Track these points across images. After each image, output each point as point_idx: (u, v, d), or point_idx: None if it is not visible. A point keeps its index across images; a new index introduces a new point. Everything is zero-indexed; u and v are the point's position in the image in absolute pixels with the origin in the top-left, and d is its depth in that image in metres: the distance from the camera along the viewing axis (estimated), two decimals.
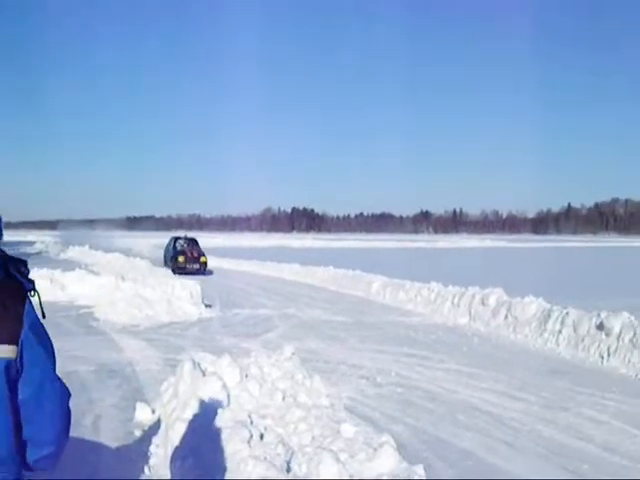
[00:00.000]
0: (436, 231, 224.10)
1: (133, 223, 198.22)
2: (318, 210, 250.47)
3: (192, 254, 31.76)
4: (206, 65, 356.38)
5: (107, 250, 39.94)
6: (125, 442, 6.35)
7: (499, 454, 6.49)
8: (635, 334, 10.87)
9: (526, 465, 6.19)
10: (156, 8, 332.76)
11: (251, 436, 5.24)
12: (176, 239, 34.69)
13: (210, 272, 31.50)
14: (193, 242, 34.30)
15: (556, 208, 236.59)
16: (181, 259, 31.29)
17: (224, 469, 4.89)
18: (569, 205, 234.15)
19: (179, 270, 29.89)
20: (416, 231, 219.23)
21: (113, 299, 16.42)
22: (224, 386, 6.63)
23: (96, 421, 7.10)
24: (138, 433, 6.59)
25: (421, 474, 4.99)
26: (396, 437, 6.01)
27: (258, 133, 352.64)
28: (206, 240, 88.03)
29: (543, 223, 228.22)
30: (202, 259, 31.76)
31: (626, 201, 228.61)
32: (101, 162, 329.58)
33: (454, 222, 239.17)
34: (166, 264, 33.32)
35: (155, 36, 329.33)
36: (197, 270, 30.70)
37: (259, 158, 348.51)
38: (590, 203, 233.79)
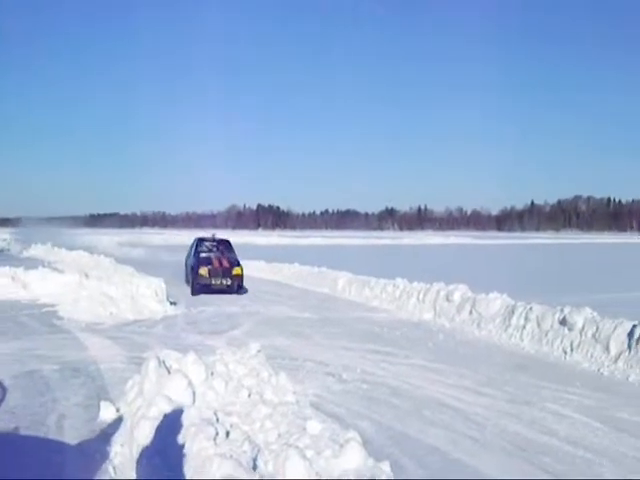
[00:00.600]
0: (401, 228, 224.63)
1: (97, 220, 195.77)
2: (283, 207, 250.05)
3: (221, 263, 22.02)
4: (169, 63, 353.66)
5: (70, 248, 39.44)
6: (89, 442, 6.28)
7: (464, 449, 6.53)
8: (597, 329, 11.01)
9: (491, 460, 6.24)
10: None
11: (217, 434, 5.22)
12: (199, 241, 24.61)
13: (245, 290, 22.39)
14: (224, 245, 24.53)
15: (520, 205, 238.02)
16: (204, 272, 21.39)
17: (190, 467, 4.87)
18: (532, 202, 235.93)
19: (201, 288, 21.26)
20: (381, 228, 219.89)
21: (77, 297, 16.27)
22: (189, 384, 6.60)
23: (60, 420, 7.03)
24: (102, 432, 6.53)
25: (387, 470, 5.00)
26: (362, 433, 6.03)
27: (223, 130, 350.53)
28: (172, 238, 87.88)
29: (507, 220, 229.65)
30: (235, 271, 21.85)
31: (588, 198, 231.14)
32: (63, 158, 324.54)
33: (419, 219, 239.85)
34: (186, 279, 23.86)
35: (122, 37, 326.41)
36: (228, 287, 21.53)
37: (224, 155, 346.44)
38: (553, 200, 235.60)
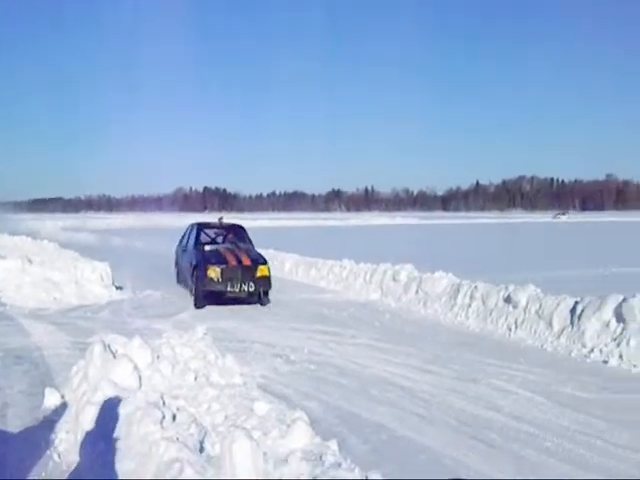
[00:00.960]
0: (348, 209, 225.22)
1: (40, 205, 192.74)
2: (230, 189, 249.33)
3: (239, 260, 15.48)
4: (113, 44, 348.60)
5: (13, 233, 38.62)
6: (34, 429, 6.19)
7: (411, 426, 6.60)
8: (541, 306, 11.20)
9: (437, 436, 6.32)
10: None
11: (163, 417, 5.18)
12: (200, 228, 17.85)
13: (268, 300, 15.66)
14: (235, 233, 18.04)
15: (465, 185, 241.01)
16: (214, 273, 14.94)
17: (136, 452, 4.83)
18: (477, 182, 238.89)
19: (209, 297, 15.07)
20: (328, 209, 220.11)
21: (20, 283, 15.95)
22: (135, 368, 6.54)
23: (3, 409, 6.90)
24: (47, 420, 6.43)
25: (334, 448, 5.03)
26: (309, 413, 6.06)
27: (168, 112, 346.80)
28: (118, 221, 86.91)
29: (452, 200, 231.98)
30: (260, 271, 15.38)
31: (532, 178, 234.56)
32: (3, 143, 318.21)
33: (366, 200, 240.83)
34: (182, 281, 18.02)
35: (58, 25, 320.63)
36: (250, 295, 15.30)
37: (169, 137, 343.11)
38: (498, 180, 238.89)
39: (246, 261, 15.47)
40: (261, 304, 15.23)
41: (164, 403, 5.76)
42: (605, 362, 9.31)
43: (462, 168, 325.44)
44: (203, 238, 17.31)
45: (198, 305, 14.80)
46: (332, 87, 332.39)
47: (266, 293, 15.47)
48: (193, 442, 4.85)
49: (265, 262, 15.74)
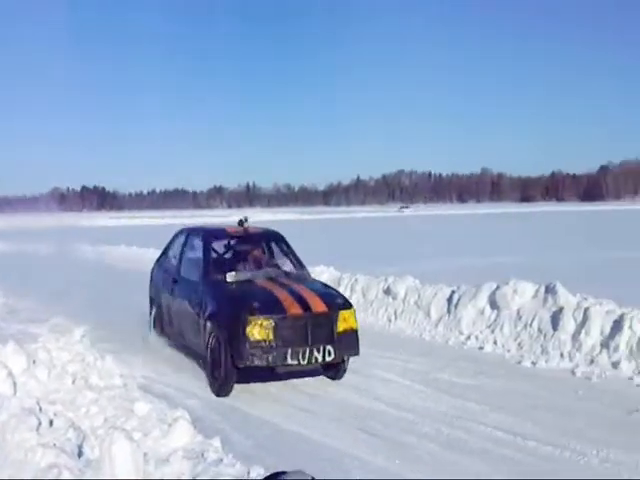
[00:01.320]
0: (230, 205, 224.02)
1: None
2: (109, 188, 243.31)
3: (303, 304, 7.74)
4: None
5: None
6: None
7: (296, 421, 6.68)
8: (419, 296, 11.48)
9: (320, 428, 6.40)
10: None
11: (40, 423, 5.04)
12: (208, 238, 9.50)
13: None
14: (273, 246, 10.30)
15: (346, 180, 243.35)
16: (261, 332, 7.39)
17: (10, 460, 4.68)
18: (358, 177, 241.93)
19: (248, 375, 7.82)
20: (210, 206, 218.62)
21: None
22: (10, 374, 6.31)
23: None
24: None
25: (217, 445, 5.02)
26: (192, 411, 6.04)
27: (41, 109, 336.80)
28: None
29: (334, 195, 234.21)
30: (345, 320, 7.87)
31: (410, 173, 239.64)
32: None
33: (247, 196, 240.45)
34: (173, 335, 9.77)
35: None
36: (323, 366, 8.16)
37: (44, 134, 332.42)
38: (377, 175, 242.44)
39: (318, 305, 7.93)
40: (333, 377, 8.42)
41: (40, 409, 5.59)
42: (481, 348, 9.64)
43: (343, 163, 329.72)
44: (218, 259, 9.69)
45: (223, 393, 7.70)
46: (213, 83, 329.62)
47: (348, 356, 8.23)
48: (71, 447, 4.75)
49: (349, 305, 8.32)
